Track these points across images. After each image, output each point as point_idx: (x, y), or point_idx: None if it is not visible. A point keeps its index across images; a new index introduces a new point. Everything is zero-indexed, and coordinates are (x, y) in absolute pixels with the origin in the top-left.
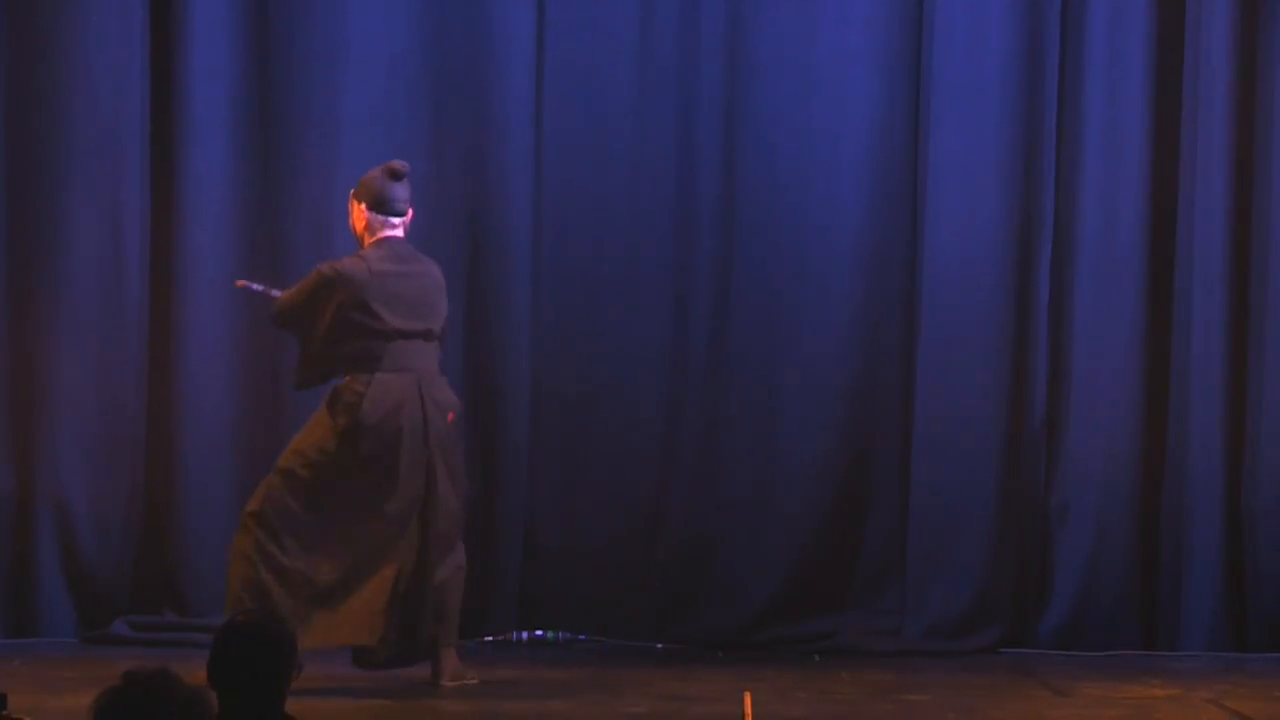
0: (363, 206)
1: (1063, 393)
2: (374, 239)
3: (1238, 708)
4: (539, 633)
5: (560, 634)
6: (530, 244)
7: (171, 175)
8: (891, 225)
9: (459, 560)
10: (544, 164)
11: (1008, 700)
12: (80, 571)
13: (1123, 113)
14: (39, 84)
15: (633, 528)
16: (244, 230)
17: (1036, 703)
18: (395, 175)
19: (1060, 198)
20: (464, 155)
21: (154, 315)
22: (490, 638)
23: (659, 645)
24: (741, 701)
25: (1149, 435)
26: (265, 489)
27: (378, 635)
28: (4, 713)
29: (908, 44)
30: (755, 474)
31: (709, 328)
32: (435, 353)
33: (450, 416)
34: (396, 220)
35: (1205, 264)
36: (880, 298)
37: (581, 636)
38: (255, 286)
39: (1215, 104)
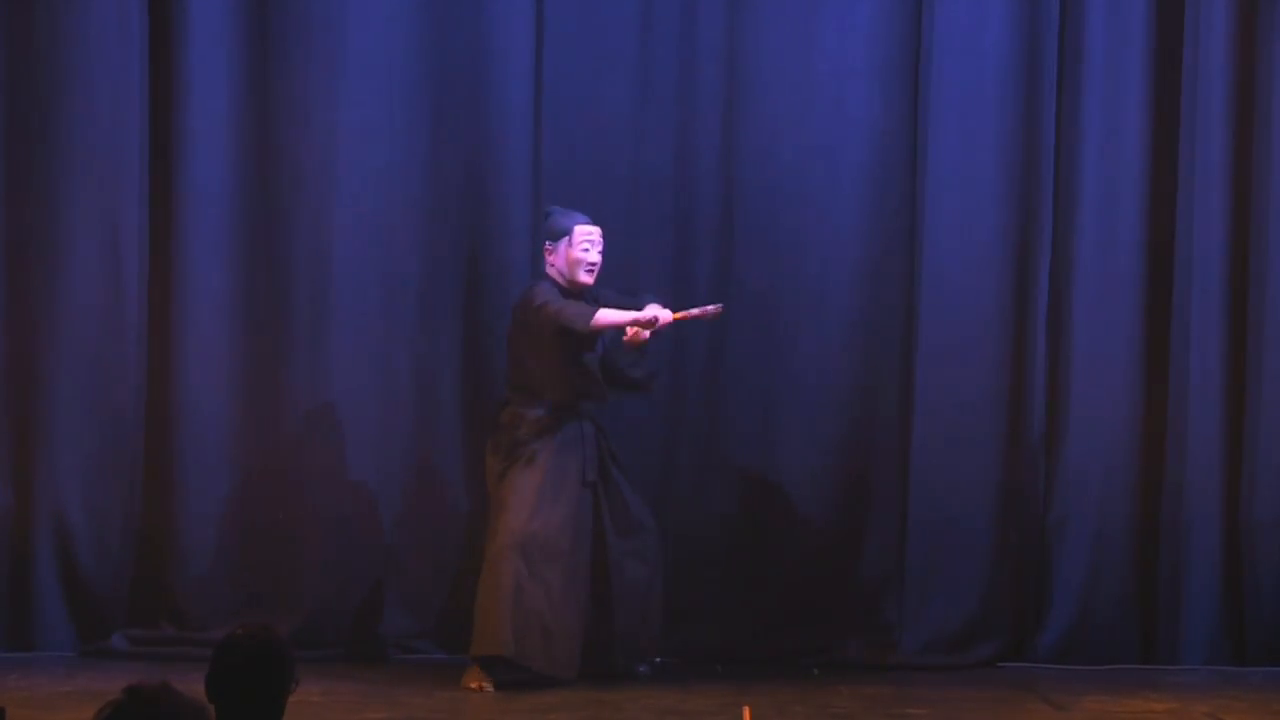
0: None
1: (1061, 406)
2: None
3: None
4: None
5: None
6: (529, 256)
7: (170, 186)
8: (890, 237)
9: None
10: (543, 175)
11: (1006, 714)
12: (78, 585)
13: (1121, 124)
14: (38, 94)
15: None
16: (243, 241)
17: (1035, 717)
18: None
19: (1059, 209)
20: (463, 166)
21: (153, 328)
22: None
23: (658, 659)
24: (740, 715)
25: (1147, 449)
26: None
27: None
28: None
29: (906, 56)
30: (753, 488)
31: (707, 340)
32: None
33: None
34: None
35: (1204, 275)
36: (878, 310)
37: None
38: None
39: (1214, 113)
